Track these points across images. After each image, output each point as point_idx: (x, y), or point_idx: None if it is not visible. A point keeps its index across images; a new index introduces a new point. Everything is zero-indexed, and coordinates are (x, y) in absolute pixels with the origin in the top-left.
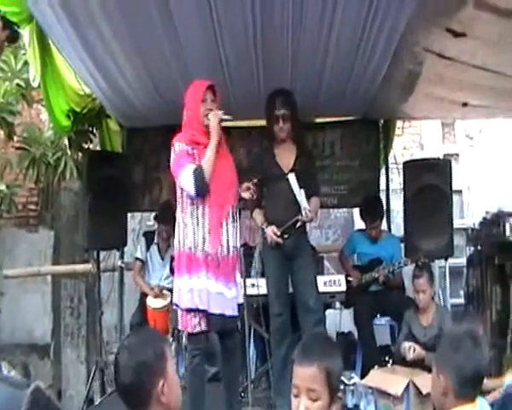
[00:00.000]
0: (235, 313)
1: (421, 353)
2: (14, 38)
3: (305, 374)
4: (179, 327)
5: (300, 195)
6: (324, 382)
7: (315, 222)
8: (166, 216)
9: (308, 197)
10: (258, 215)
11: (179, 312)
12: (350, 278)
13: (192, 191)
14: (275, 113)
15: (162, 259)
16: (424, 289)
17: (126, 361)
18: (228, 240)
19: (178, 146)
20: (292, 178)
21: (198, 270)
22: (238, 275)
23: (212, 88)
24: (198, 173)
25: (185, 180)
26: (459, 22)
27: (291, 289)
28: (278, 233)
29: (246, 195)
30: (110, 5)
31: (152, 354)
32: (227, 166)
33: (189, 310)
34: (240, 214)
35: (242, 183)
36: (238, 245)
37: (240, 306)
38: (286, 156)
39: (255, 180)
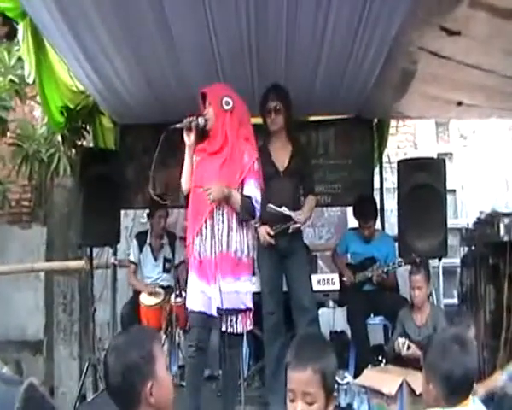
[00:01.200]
0: (215, 314)
1: (417, 352)
2: (12, 34)
3: (300, 378)
4: None
5: (285, 211)
6: (320, 384)
7: (309, 221)
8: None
9: (304, 196)
10: None
11: None
12: (344, 279)
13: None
14: (267, 105)
15: (155, 259)
16: (420, 286)
17: (114, 363)
18: (212, 241)
19: None
20: (271, 207)
21: (190, 269)
22: (221, 279)
23: (203, 94)
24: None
25: None
26: (454, 21)
27: (285, 288)
28: (272, 233)
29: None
30: (105, 5)
31: (139, 357)
32: (215, 167)
33: None
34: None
35: None
36: (225, 248)
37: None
38: (281, 155)
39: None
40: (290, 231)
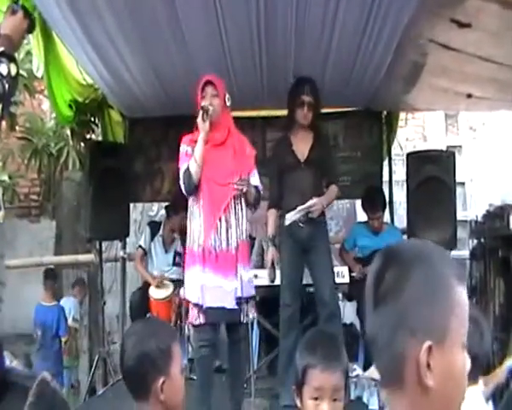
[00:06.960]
0: (236, 305)
1: None
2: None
3: (332, 381)
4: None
5: (303, 206)
6: (343, 382)
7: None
8: (179, 206)
9: (326, 186)
10: (270, 216)
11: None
12: (353, 274)
13: (184, 191)
14: (302, 98)
15: (166, 252)
16: None
17: (131, 347)
18: (228, 233)
19: (182, 147)
20: (293, 214)
21: (194, 264)
22: (242, 268)
23: (210, 82)
24: (186, 174)
25: (180, 181)
26: (464, 13)
27: (305, 281)
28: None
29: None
30: None
31: (156, 348)
32: (226, 158)
33: (191, 303)
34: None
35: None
36: (243, 237)
37: (239, 298)
38: (302, 145)
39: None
40: (310, 215)
